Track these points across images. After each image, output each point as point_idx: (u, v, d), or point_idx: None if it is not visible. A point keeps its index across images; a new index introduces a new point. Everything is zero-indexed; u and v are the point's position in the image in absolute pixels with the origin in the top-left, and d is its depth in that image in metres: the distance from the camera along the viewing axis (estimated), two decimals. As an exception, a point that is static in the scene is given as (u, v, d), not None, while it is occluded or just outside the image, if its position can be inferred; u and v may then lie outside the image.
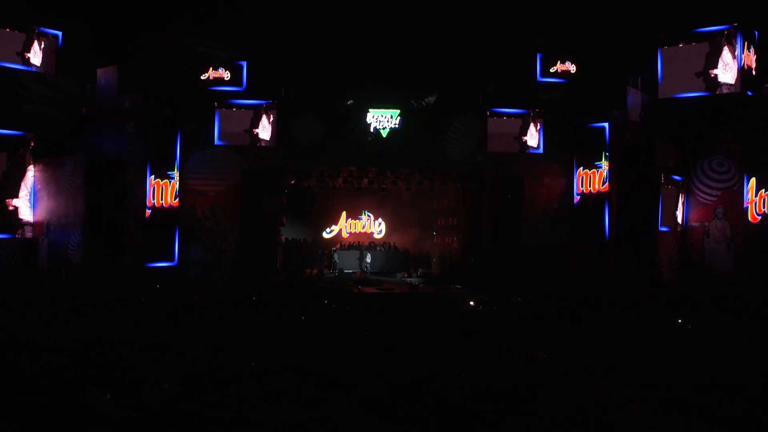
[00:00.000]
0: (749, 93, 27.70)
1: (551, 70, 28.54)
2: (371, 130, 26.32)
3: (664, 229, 26.88)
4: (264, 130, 26.23)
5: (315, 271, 28.39)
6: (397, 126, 26.39)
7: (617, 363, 10.84)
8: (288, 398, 8.41)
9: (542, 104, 27.50)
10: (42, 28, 26.47)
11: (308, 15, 27.52)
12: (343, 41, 27.09)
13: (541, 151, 27.26)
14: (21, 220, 25.30)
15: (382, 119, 26.33)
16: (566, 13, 28.06)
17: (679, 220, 27.83)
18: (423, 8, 27.55)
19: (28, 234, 25.54)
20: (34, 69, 26.29)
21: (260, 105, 26.19)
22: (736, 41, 27.70)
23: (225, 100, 26.26)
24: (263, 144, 26.22)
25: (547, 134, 27.28)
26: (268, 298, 20.51)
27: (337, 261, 29.38)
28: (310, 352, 11.30)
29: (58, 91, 26.58)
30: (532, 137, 27.34)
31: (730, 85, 27.77)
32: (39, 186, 25.73)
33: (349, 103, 25.88)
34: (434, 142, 26.63)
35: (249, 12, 27.51)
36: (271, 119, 26.19)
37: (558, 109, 27.29)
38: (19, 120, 25.44)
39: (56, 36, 26.92)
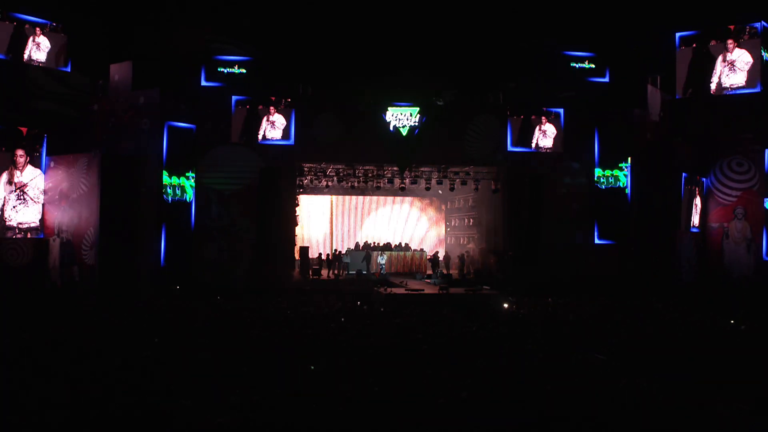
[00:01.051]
0: (758, 91, 27.36)
1: (572, 68, 28.18)
2: (390, 128, 25.87)
3: (693, 229, 26.73)
4: (274, 129, 25.71)
5: (335, 272, 27.93)
6: (416, 124, 25.95)
7: (694, 367, 10.41)
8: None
9: (562, 103, 27.14)
10: (50, 22, 25.77)
11: (325, 10, 26.99)
12: (361, 38, 26.62)
13: (561, 150, 26.90)
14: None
15: (402, 117, 25.88)
16: (585, 11, 27.65)
17: (696, 220, 27.57)
18: (443, 4, 27.06)
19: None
20: (43, 64, 25.58)
21: (272, 102, 25.68)
22: (749, 39, 27.51)
23: (239, 96, 25.72)
24: (273, 141, 25.67)
25: (567, 133, 26.93)
26: (298, 299, 19.99)
27: (349, 262, 28.88)
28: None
29: (68, 86, 25.91)
30: (552, 136, 26.98)
31: (741, 85, 27.50)
32: (50, 184, 25.05)
33: (368, 104, 25.34)
34: (454, 140, 26.18)
35: (264, 7, 26.91)
36: (282, 117, 25.68)
37: (578, 108, 26.93)
38: (30, 116, 24.72)
39: (65, 30, 26.17)
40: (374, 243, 30.99)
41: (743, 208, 27.40)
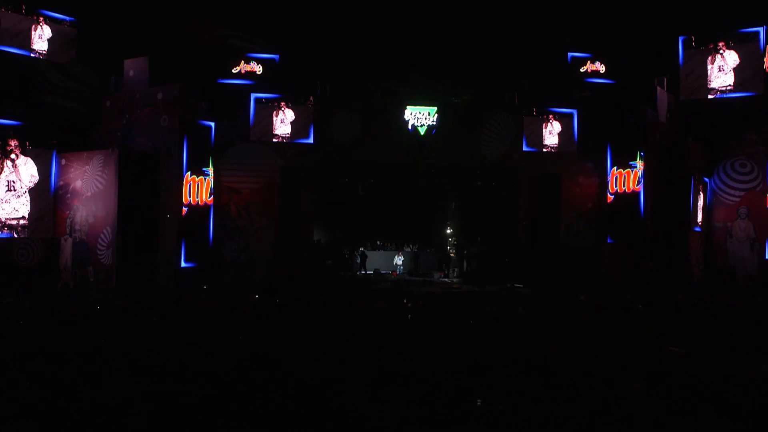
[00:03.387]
0: (762, 93, 28.17)
1: (582, 70, 28.61)
2: (409, 127, 25.82)
3: (696, 228, 27.21)
4: (285, 125, 25.42)
5: (356, 271, 27.83)
6: (434, 123, 25.96)
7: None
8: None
9: (575, 103, 27.47)
10: (58, 16, 25.05)
11: (344, 9, 26.76)
12: (379, 36, 26.47)
13: (574, 149, 27.21)
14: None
15: (420, 116, 25.85)
16: (596, 13, 28.02)
17: (700, 220, 28.15)
18: (460, 7, 27.12)
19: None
20: (49, 58, 24.85)
21: (285, 99, 25.38)
22: (749, 44, 28.31)
23: (257, 94, 25.35)
24: (284, 140, 25.38)
25: (580, 133, 27.26)
26: (328, 298, 19.71)
27: (359, 262, 28.72)
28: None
29: (79, 82, 25.22)
30: (558, 134, 27.30)
31: (743, 88, 28.27)
32: (61, 182, 24.31)
33: (386, 103, 25.24)
34: (471, 139, 26.27)
35: (283, 5, 26.57)
36: (293, 113, 25.41)
37: (591, 108, 27.28)
38: (41, 111, 23.98)
39: (75, 25, 25.51)
40: (386, 243, 30.84)
41: (746, 208, 28.03)
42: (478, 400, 7.16)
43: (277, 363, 8.98)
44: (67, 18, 25.15)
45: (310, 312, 15.35)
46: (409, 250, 30.08)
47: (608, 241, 26.91)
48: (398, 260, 28.32)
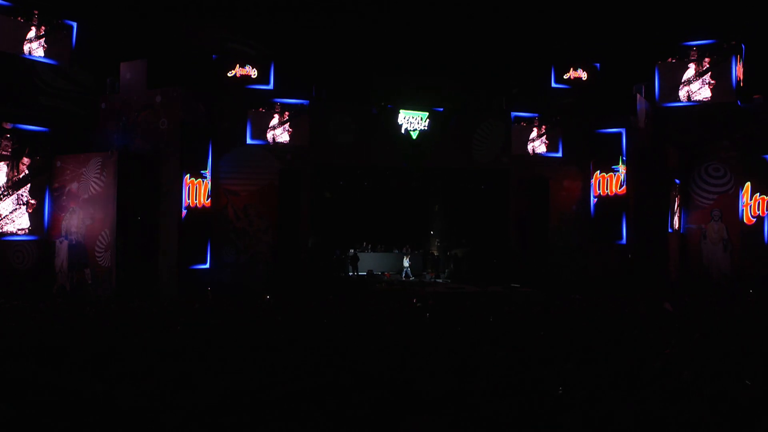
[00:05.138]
0: (739, 103, 29.66)
1: (564, 77, 29.59)
2: (402, 131, 26.39)
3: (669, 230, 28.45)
4: (281, 128, 25.71)
5: (349, 273, 28.21)
6: (426, 128, 26.59)
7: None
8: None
9: (559, 109, 28.43)
10: (54, 18, 24.96)
11: (338, 15, 27.24)
12: (375, 42, 27.01)
13: (560, 154, 28.13)
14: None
15: (413, 120, 26.46)
16: (579, 23, 29.09)
17: (676, 222, 29.39)
18: (450, 12, 27.85)
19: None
20: (47, 60, 24.74)
21: (282, 103, 25.68)
22: (720, 56, 29.84)
23: (253, 98, 25.61)
24: (280, 143, 25.68)
25: (565, 138, 28.19)
26: (341, 299, 20.12)
27: (351, 263, 29.09)
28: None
29: (75, 84, 25.14)
30: (548, 141, 28.21)
31: (717, 97, 29.74)
32: (57, 185, 24.18)
33: (385, 105, 25.75)
34: (461, 143, 26.99)
35: (277, 9, 26.90)
36: (291, 117, 25.76)
37: (574, 114, 28.27)
38: (37, 114, 23.86)
39: (70, 27, 25.43)
40: (372, 244, 31.27)
41: (719, 211, 29.37)
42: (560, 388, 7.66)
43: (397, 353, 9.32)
44: (64, 20, 25.05)
45: (341, 311, 15.70)
46: (398, 252, 30.55)
47: (591, 242, 27.90)
48: (406, 262, 28.77)
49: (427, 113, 26.62)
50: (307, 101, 25.77)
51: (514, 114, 27.79)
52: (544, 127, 28.16)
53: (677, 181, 29.21)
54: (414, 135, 26.53)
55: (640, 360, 8.45)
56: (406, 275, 28.34)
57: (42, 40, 24.63)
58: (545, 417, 6.42)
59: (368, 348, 9.76)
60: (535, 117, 28.05)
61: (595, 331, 11.46)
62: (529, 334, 11.57)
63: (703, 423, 5.97)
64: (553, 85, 29.47)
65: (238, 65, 25.83)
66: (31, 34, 24.45)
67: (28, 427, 6.09)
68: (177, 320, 13.62)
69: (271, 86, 25.98)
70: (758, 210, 28.73)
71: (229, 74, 25.85)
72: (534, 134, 28.09)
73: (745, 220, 28.80)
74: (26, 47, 24.31)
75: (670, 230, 28.32)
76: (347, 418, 6.45)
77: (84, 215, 23.69)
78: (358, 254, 29.28)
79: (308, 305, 17.27)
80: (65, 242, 23.95)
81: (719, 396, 6.60)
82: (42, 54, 24.60)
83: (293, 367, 8.23)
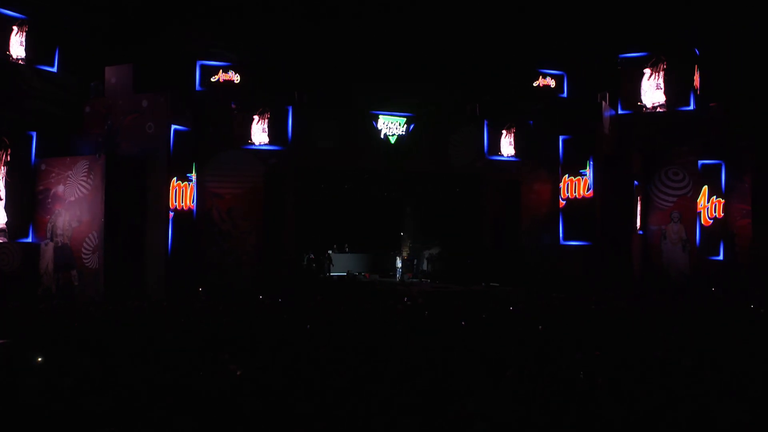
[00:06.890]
0: (692, 108, 31.35)
1: (534, 85, 30.89)
2: (381, 136, 27.26)
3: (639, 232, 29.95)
4: (264, 132, 26.33)
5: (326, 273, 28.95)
6: (404, 133, 27.51)
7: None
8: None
9: (529, 116, 29.65)
10: (32, 19, 25.09)
11: (320, 21, 27.97)
12: (354, 48, 27.80)
13: (530, 159, 29.34)
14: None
15: (392, 125, 27.35)
16: (548, 33, 30.39)
17: (638, 223, 30.89)
18: (427, 20, 28.85)
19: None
20: (25, 61, 24.90)
21: (264, 107, 26.28)
22: (679, 65, 31.53)
23: (236, 102, 26.17)
24: (269, 146, 26.29)
25: (535, 144, 29.41)
26: (332, 298, 20.84)
27: (327, 264, 29.82)
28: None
29: (58, 87, 25.34)
30: (519, 147, 29.42)
31: (675, 103, 31.43)
32: (41, 187, 24.36)
33: (365, 110, 26.61)
34: (437, 149, 27.98)
35: (258, 15, 27.50)
36: (272, 121, 26.37)
37: (544, 121, 29.51)
38: (20, 116, 24.03)
39: (54, 30, 25.58)
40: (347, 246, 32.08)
41: (679, 213, 30.93)
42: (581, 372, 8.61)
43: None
44: (49, 23, 25.22)
45: (341, 309, 16.45)
46: (393, 252, 31.33)
47: (560, 243, 29.17)
48: (399, 263, 29.61)
49: (405, 118, 27.55)
50: (290, 106, 26.41)
51: (486, 120, 28.88)
52: (514, 132, 29.34)
53: (635, 182, 30.68)
54: (392, 140, 27.43)
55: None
56: (400, 276, 29.17)
57: (26, 44, 24.74)
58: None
59: (402, 345, 10.48)
60: (506, 123, 29.19)
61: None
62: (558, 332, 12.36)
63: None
64: (524, 92, 30.67)
65: (221, 71, 26.36)
66: (15, 37, 24.57)
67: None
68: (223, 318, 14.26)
69: (253, 91, 26.57)
70: (715, 212, 30.43)
71: (212, 79, 26.35)
72: (506, 139, 29.25)
73: (702, 222, 30.41)
74: (9, 51, 24.41)
75: (640, 232, 29.82)
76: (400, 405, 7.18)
77: (71, 217, 23.94)
78: (333, 255, 30.07)
79: (308, 305, 17.95)
80: (50, 244, 24.14)
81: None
82: (18, 55, 24.67)
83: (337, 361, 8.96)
